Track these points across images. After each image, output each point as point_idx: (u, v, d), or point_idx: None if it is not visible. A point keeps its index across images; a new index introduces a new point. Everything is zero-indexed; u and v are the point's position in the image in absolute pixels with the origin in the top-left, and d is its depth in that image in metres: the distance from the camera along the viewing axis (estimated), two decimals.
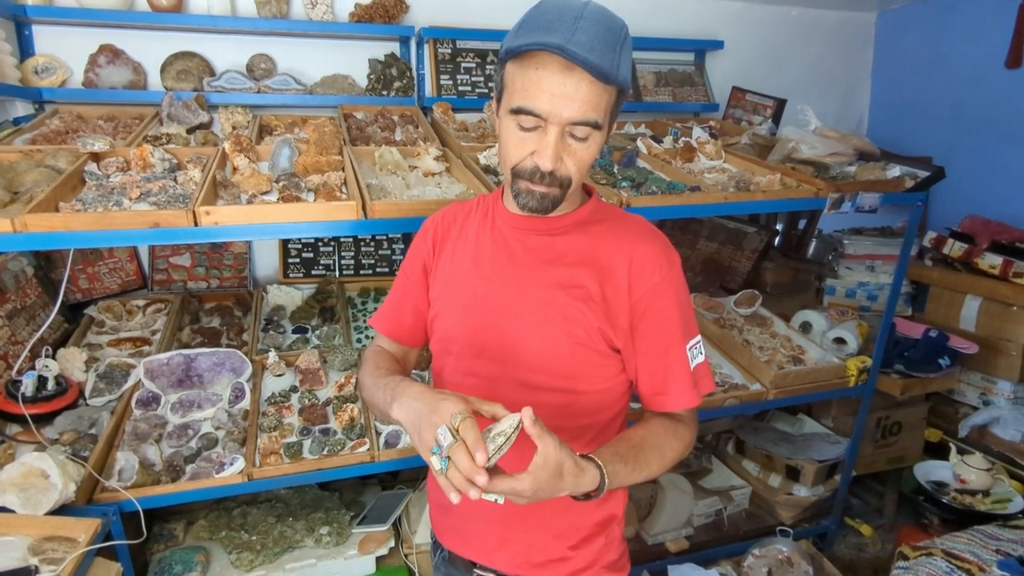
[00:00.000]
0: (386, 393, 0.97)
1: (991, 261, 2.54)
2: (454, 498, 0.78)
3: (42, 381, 1.73)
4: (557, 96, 0.87)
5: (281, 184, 1.69)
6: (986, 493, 2.28)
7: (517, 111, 0.90)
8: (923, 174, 2.20)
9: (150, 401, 1.84)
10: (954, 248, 2.67)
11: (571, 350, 1.02)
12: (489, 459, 0.77)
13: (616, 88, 0.91)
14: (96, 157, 1.71)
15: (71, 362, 1.87)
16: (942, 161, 2.75)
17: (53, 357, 1.83)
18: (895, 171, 2.16)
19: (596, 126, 0.90)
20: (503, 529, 1.11)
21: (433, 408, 0.84)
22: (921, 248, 2.87)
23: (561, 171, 0.93)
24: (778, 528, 2.31)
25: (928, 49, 3.13)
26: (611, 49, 0.86)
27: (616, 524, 1.17)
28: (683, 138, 2.39)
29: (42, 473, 1.42)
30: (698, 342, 1.07)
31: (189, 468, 1.65)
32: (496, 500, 0.83)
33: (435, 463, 0.80)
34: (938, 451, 2.61)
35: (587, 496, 0.88)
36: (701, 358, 1.07)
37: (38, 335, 1.83)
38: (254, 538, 1.85)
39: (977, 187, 2.95)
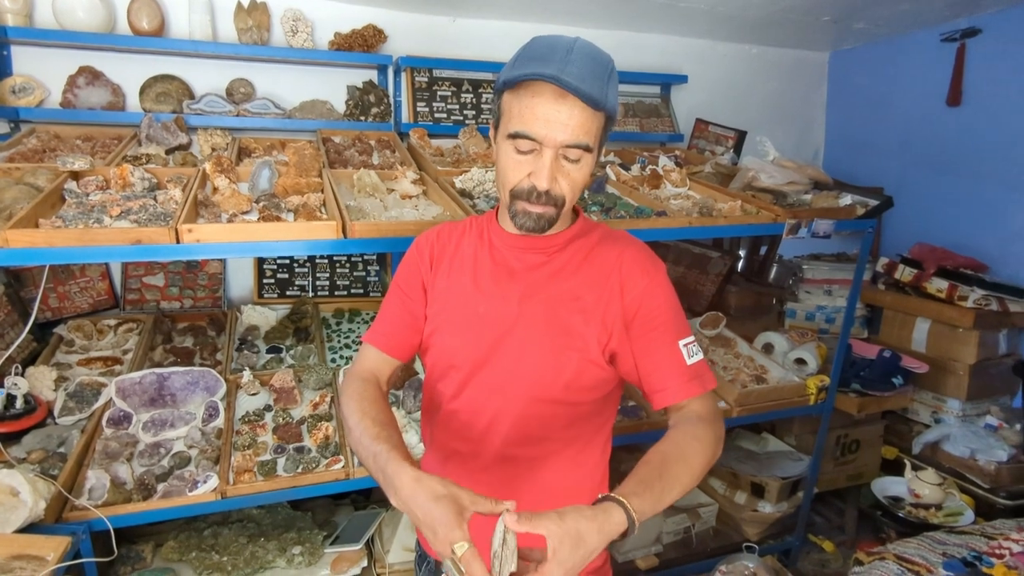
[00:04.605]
0: (375, 466, 0.94)
1: (938, 285, 2.69)
2: None
3: (10, 399, 1.71)
4: (552, 122, 0.94)
5: (261, 204, 1.72)
6: (939, 507, 2.38)
7: (514, 135, 0.97)
8: (873, 203, 2.34)
9: (121, 420, 1.82)
10: (904, 273, 2.82)
11: (570, 362, 1.06)
12: None
13: (605, 114, 0.99)
14: (75, 176, 1.73)
15: (40, 381, 1.85)
16: (892, 191, 2.92)
17: (22, 375, 1.81)
18: (847, 199, 2.29)
19: (587, 149, 0.98)
20: None
21: (435, 533, 0.81)
22: (875, 273, 3.02)
23: (556, 191, 0.99)
24: (744, 544, 2.36)
25: (877, 87, 3.34)
26: (600, 79, 0.94)
27: None
28: (650, 166, 2.50)
29: (11, 490, 1.40)
30: (692, 341, 1.09)
31: (161, 486, 1.65)
32: None
33: None
34: (894, 468, 2.71)
35: (623, 536, 0.85)
36: (699, 356, 1.09)
37: (8, 353, 1.81)
38: (225, 559, 1.83)
39: (925, 216, 3.13)
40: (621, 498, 0.86)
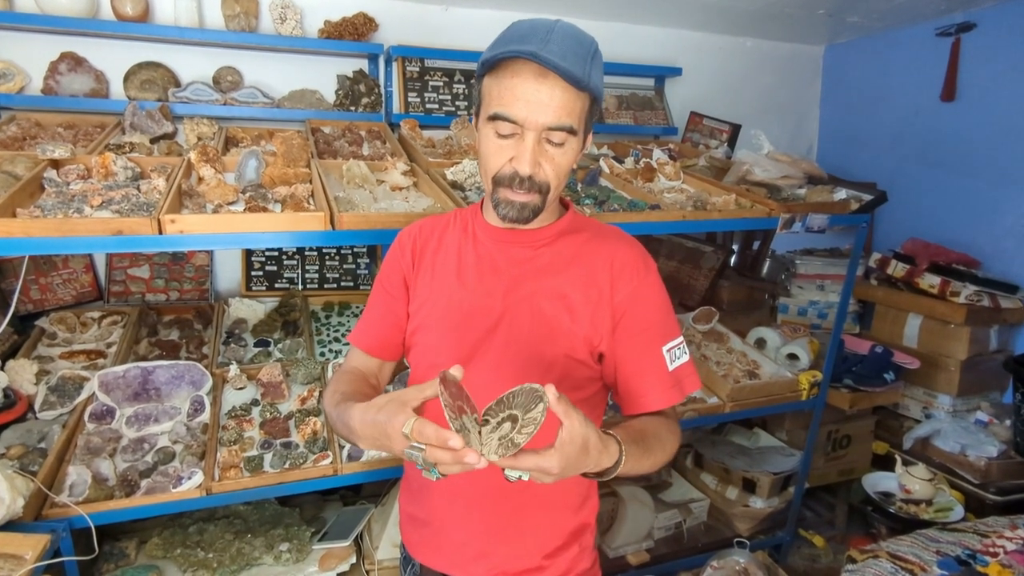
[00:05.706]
0: (343, 428, 0.94)
1: (930, 281, 2.68)
2: (481, 464, 0.74)
3: None
4: (532, 103, 0.90)
5: (247, 195, 1.69)
6: (929, 502, 2.38)
7: (494, 117, 0.93)
8: (867, 197, 2.33)
9: (104, 415, 1.79)
10: (897, 269, 2.82)
11: (557, 360, 1.03)
12: (513, 449, 0.75)
13: (589, 96, 0.95)
14: (56, 164, 1.68)
15: (20, 374, 1.80)
16: (886, 186, 2.91)
17: (2, 368, 1.77)
18: (841, 194, 2.28)
19: (571, 131, 0.94)
20: (481, 541, 1.11)
21: (388, 436, 0.80)
22: (867, 269, 3.01)
23: (539, 176, 0.96)
24: (735, 540, 2.36)
25: (872, 82, 3.32)
26: (582, 59, 0.91)
27: (589, 532, 1.18)
28: (644, 159, 2.47)
29: None
30: (680, 343, 1.07)
31: (144, 483, 1.61)
32: (521, 477, 0.78)
33: (429, 477, 0.78)
34: (885, 463, 2.72)
35: (599, 475, 0.86)
36: (685, 358, 1.07)
37: None
38: (211, 555, 1.80)
39: (918, 211, 3.12)
40: (618, 436, 0.87)
